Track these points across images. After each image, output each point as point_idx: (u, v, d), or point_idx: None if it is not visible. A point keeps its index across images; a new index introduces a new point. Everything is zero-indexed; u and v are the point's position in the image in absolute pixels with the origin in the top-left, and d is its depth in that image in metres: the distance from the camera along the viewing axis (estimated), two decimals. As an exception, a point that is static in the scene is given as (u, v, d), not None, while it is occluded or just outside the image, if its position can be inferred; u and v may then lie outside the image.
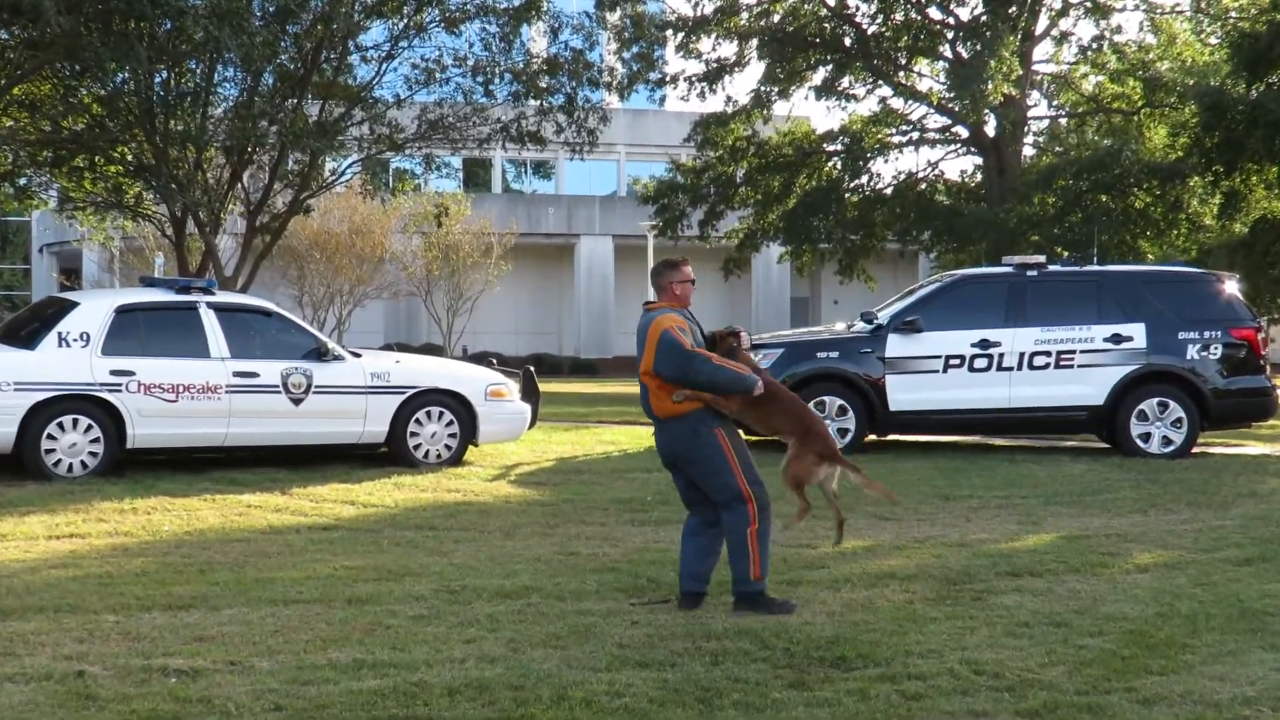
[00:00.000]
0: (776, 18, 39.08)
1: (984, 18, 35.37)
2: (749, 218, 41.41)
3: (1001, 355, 18.55)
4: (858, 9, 38.55)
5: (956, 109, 36.23)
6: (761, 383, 8.85)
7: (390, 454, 17.03)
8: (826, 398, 18.42)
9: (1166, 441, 18.61)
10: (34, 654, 7.75)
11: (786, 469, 9.24)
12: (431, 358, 20.76)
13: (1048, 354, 18.57)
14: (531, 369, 20.01)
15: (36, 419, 15.23)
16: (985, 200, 38.33)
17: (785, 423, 9.26)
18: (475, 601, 9.20)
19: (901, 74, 39.08)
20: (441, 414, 17.08)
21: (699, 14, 38.71)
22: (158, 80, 23.54)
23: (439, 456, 17.04)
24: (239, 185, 26.71)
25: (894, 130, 39.75)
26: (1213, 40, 38.68)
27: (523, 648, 7.94)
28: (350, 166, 28.95)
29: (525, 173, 64.06)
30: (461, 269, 48.81)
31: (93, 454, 15.44)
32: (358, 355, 17.12)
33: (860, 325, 19.24)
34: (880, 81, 39.07)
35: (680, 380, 8.75)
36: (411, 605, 9.08)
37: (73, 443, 15.36)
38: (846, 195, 39.10)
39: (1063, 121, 44.02)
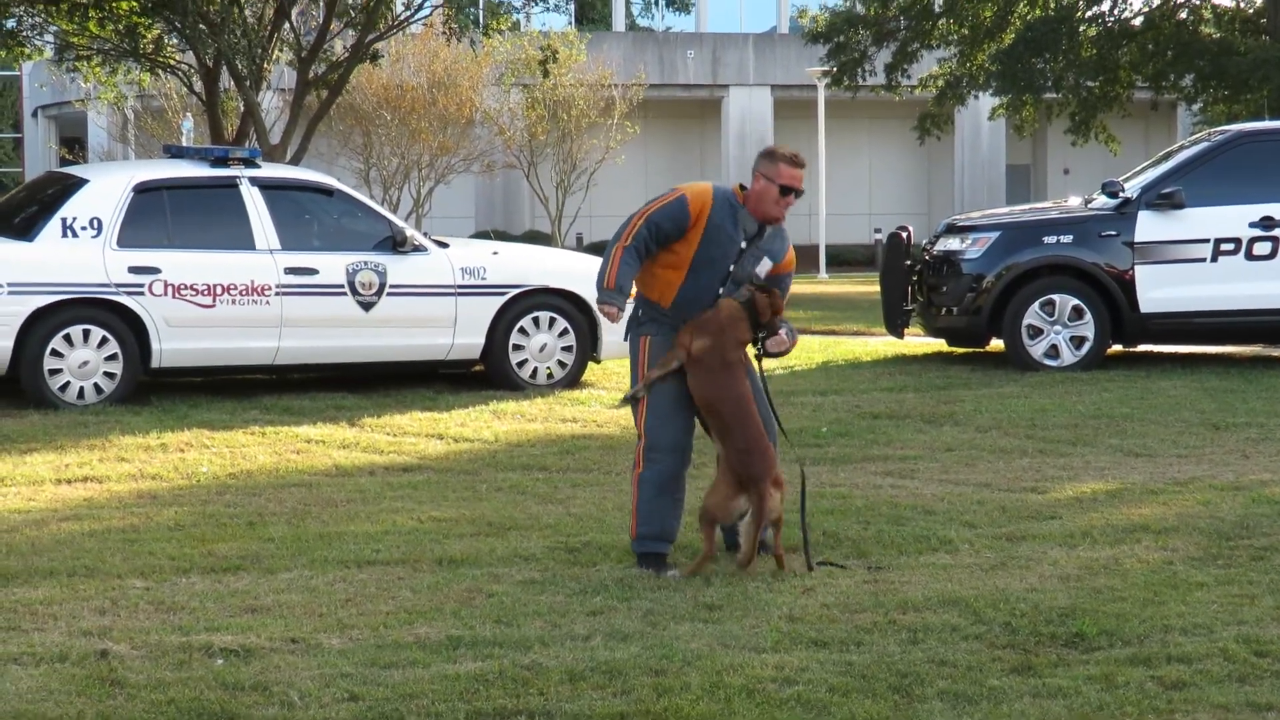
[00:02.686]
0: None
1: None
2: (952, 60, 40.98)
3: (1291, 239, 18.34)
4: None
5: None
6: (610, 308, 8.99)
7: (487, 373, 17.16)
8: (1055, 296, 18.26)
9: None
10: (45, 629, 7.91)
11: (705, 499, 9.16)
12: (539, 248, 20.88)
13: (1354, 236, 18.32)
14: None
15: (36, 331, 15.43)
16: (1268, 33, 37.63)
17: (719, 409, 9.05)
18: (601, 563, 9.31)
19: None
20: (553, 321, 17.16)
21: None
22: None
23: (550, 376, 17.14)
24: (286, 25, 26.90)
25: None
26: None
27: (664, 622, 8.02)
28: (430, -1, 29.05)
29: (656, 4, 63.92)
30: (574, 133, 48.81)
31: (109, 375, 15.68)
32: (444, 246, 17.22)
33: (1101, 200, 19.03)
34: None
35: None
36: (519, 568, 9.20)
37: (83, 361, 15.61)
38: (1081, 28, 38.55)
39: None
